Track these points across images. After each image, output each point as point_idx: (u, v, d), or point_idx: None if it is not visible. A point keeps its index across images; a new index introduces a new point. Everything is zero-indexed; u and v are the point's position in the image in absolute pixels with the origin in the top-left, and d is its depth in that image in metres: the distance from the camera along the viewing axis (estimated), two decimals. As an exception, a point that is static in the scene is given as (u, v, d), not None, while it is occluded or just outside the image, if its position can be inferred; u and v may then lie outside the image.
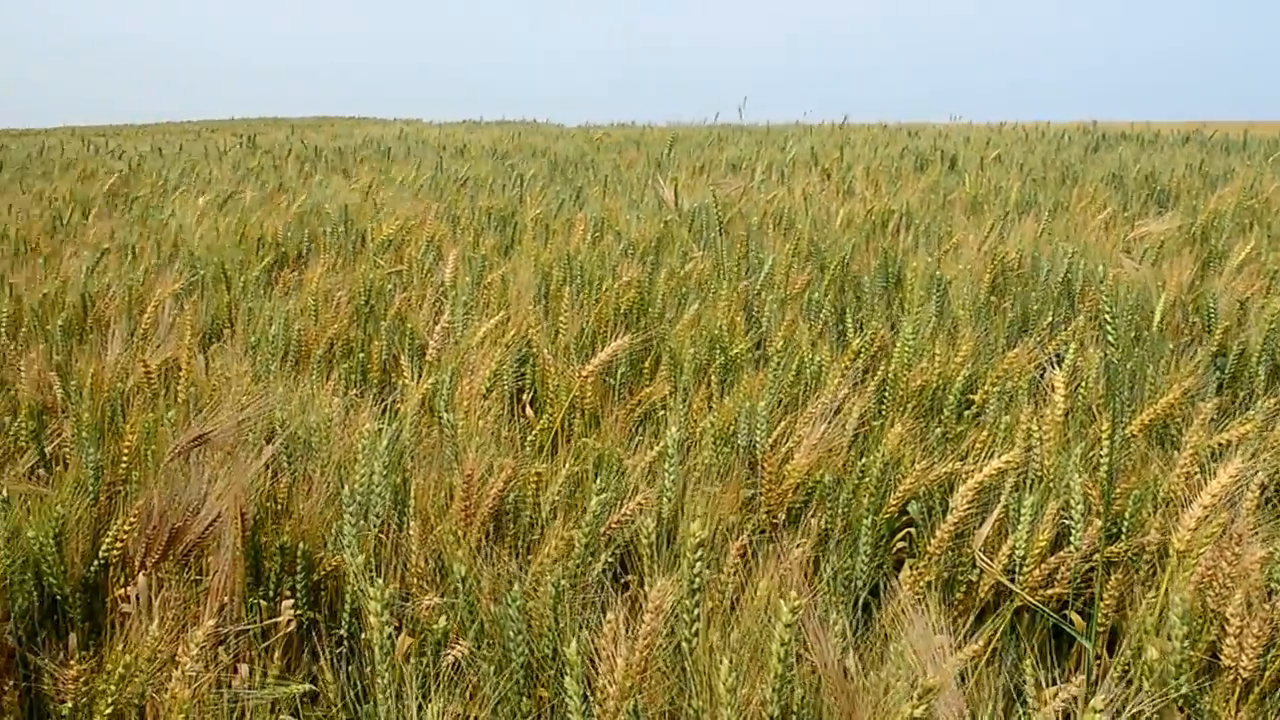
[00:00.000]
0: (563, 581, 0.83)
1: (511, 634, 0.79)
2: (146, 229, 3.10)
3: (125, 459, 1.41)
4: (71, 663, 0.92)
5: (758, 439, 1.50)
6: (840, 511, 1.37)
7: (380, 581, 0.73)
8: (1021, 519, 1.25)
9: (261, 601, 1.06)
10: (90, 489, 1.31)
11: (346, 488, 1.01)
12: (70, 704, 0.89)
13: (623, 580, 1.29)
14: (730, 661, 0.68)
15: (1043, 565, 1.25)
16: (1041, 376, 1.69)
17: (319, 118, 18.77)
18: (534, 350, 1.87)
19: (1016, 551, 1.26)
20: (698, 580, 0.73)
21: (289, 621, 1.04)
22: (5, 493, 1.18)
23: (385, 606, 0.73)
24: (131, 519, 1.15)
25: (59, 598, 1.07)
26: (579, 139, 8.25)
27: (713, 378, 1.72)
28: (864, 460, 1.37)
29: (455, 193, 4.10)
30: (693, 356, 1.69)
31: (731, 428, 1.54)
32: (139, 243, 2.93)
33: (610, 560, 1.22)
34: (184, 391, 1.61)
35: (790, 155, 5.91)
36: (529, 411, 1.84)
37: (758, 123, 9.89)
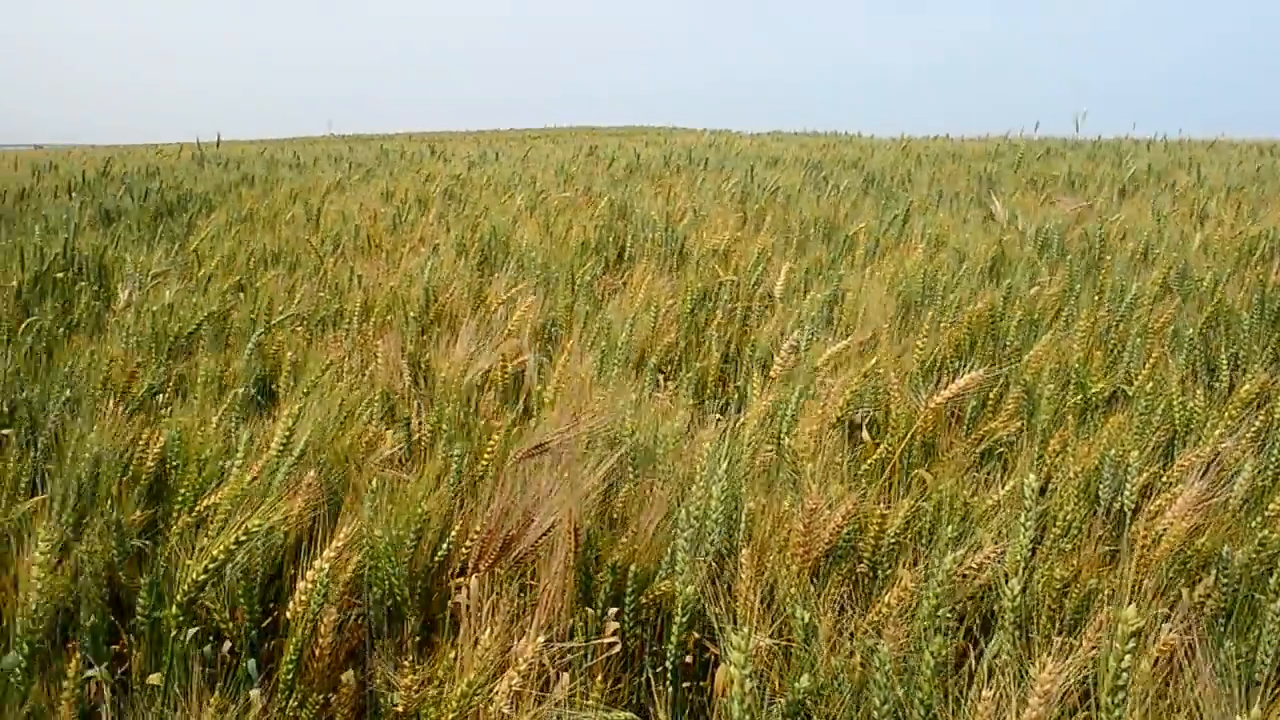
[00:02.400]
0: (940, 652, 0.73)
1: (879, 702, 0.70)
2: (477, 227, 3.25)
3: (486, 458, 1.43)
4: (405, 666, 0.91)
5: (1125, 493, 1.32)
6: (1232, 586, 1.17)
7: (745, 630, 0.66)
8: None
9: (589, 618, 1.03)
10: (452, 484, 1.33)
11: (682, 511, 0.95)
12: (402, 708, 0.89)
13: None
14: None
15: None
16: None
17: (632, 127, 19.42)
18: (878, 372, 1.77)
19: None
20: (1125, 676, 0.61)
21: (614, 644, 1.00)
22: (374, 481, 1.21)
23: (748, 658, 0.66)
24: (483, 520, 1.15)
25: (409, 593, 1.07)
26: (893, 151, 8.00)
27: (1069, 416, 1.54)
28: (1265, 531, 1.16)
29: (767, 202, 4.04)
30: (1049, 392, 1.52)
31: (1092, 476, 1.37)
32: (470, 240, 3.08)
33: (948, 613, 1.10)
34: (530, 391, 1.63)
35: (1130, 172, 5.42)
36: (865, 435, 1.74)
37: (1086, 136, 9.20)
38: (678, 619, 0.93)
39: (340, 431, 1.49)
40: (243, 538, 0.86)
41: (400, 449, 1.64)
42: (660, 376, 1.99)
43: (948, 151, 7.73)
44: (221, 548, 0.88)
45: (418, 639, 1.07)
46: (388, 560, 1.01)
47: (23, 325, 2.19)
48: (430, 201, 3.95)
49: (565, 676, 0.99)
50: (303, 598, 0.87)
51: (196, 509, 1.23)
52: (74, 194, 4.85)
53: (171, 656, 0.93)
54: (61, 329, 2.30)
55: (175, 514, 1.23)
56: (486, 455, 1.45)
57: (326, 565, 0.86)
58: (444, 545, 1.08)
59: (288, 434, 1.29)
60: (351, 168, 6.18)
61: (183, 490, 1.24)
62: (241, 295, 2.40)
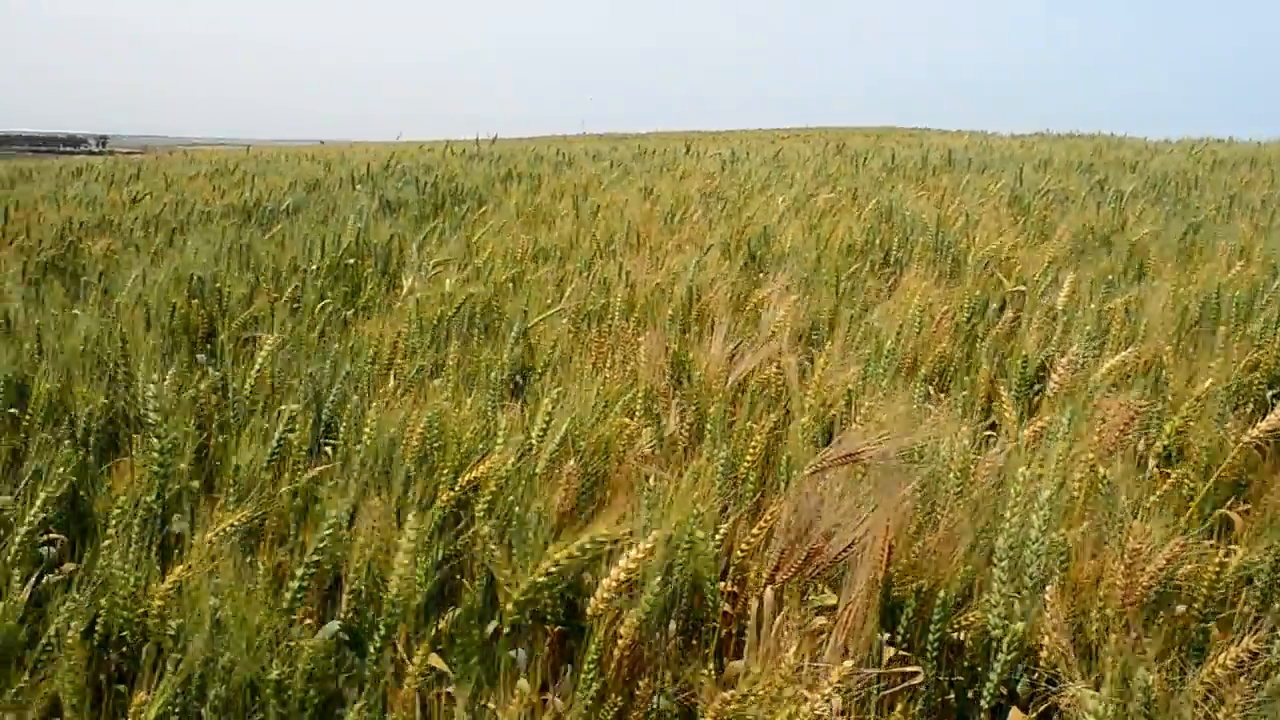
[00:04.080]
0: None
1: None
2: (736, 227, 3.23)
3: (749, 459, 1.40)
4: (705, 675, 0.89)
5: None
6: None
7: (1103, 694, 0.59)
8: None
9: (889, 645, 0.97)
10: (718, 486, 1.31)
11: (1001, 540, 0.88)
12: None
13: None
14: None
15: None
16: None
17: (881, 127, 18.97)
18: (1168, 395, 1.62)
19: None
20: None
21: (916, 673, 0.94)
22: (651, 481, 1.20)
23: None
24: (758, 528, 1.12)
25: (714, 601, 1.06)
26: (1176, 154, 7.40)
27: None
28: None
29: (1044, 207, 3.81)
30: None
31: None
32: (732, 240, 3.06)
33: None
34: (801, 396, 1.59)
35: None
36: (1151, 464, 1.59)
37: None
38: (1001, 657, 0.85)
39: (602, 426, 1.49)
40: (588, 546, 0.85)
41: (655, 446, 1.64)
42: (930, 388, 1.90)
43: (1243, 155, 7.07)
44: (564, 554, 0.87)
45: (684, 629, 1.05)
46: (702, 566, 1.00)
47: (318, 307, 2.34)
48: (689, 200, 3.97)
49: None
50: (605, 595, 0.86)
51: (455, 488, 1.26)
52: (359, 186, 5.21)
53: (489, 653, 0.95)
54: (350, 311, 2.45)
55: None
56: (749, 459, 1.42)
57: (634, 565, 0.85)
58: (736, 552, 1.06)
59: (547, 421, 1.31)
60: (611, 165, 6.32)
61: (444, 471, 1.27)
62: (514, 287, 2.48)
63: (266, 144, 13.96)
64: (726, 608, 1.30)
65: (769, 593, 0.97)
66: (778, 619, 0.98)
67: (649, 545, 0.85)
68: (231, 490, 1.26)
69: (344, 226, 3.10)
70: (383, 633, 0.94)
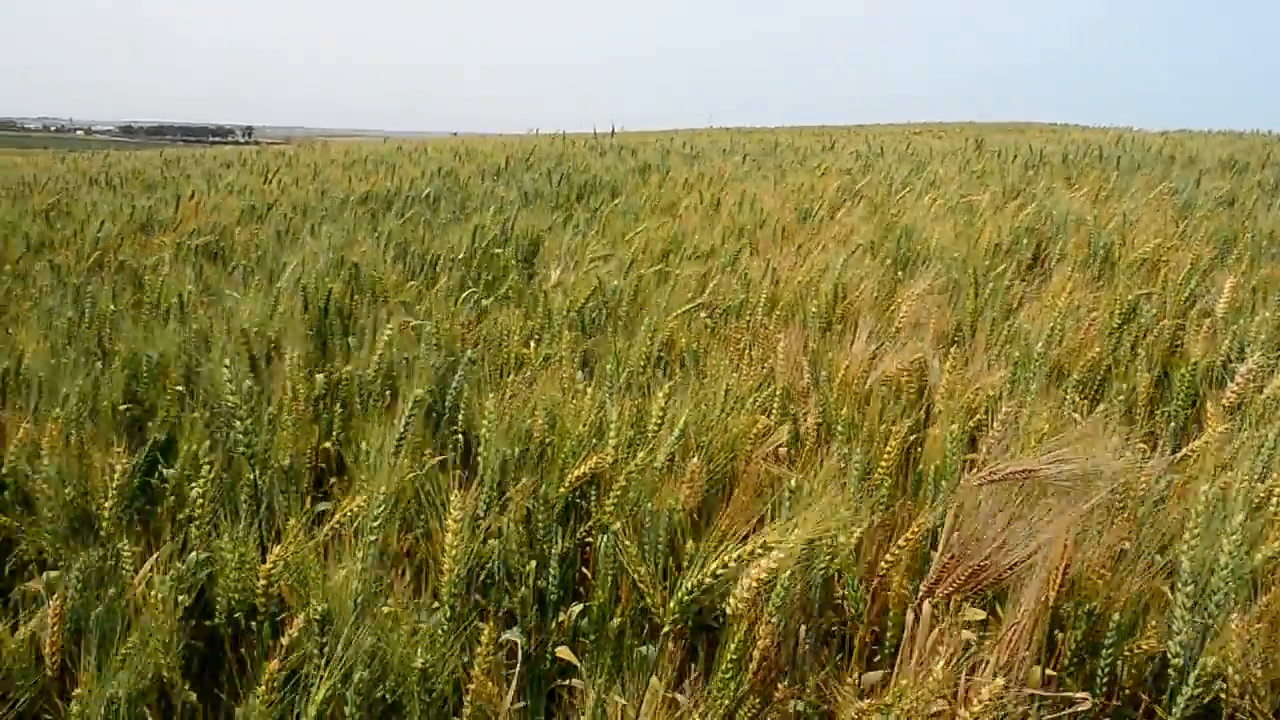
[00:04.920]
0: None
1: None
2: (884, 225, 3.16)
3: (884, 464, 1.38)
4: (849, 685, 0.87)
5: None
6: None
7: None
8: None
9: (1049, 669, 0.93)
10: (854, 491, 1.29)
11: (1185, 563, 0.83)
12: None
13: None
14: None
15: None
16: None
17: (1017, 123, 18.37)
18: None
19: None
20: None
21: (1084, 698, 0.90)
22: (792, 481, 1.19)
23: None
24: (904, 539, 1.09)
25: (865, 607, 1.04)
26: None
27: None
28: None
29: (1209, 211, 3.62)
30: None
31: None
32: (878, 239, 3.00)
33: None
34: (946, 401, 1.54)
35: None
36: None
37: None
38: (1186, 690, 0.81)
39: (732, 422, 1.47)
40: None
41: (787, 446, 1.62)
42: (1077, 395, 1.82)
43: None
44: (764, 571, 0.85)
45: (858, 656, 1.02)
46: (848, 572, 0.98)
47: (462, 296, 2.38)
48: (828, 196, 3.91)
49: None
50: (745, 595, 0.84)
51: (565, 482, 1.26)
52: (497, 177, 5.30)
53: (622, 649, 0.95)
54: (490, 299, 2.49)
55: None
56: (884, 463, 1.39)
57: (776, 566, 0.83)
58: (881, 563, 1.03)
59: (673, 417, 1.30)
60: (744, 159, 6.28)
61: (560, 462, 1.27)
62: (656, 280, 2.47)
63: (402, 135, 14.34)
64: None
65: (926, 606, 0.94)
66: (932, 634, 0.96)
67: (791, 547, 0.82)
68: (360, 473, 1.29)
69: (486, 217, 3.15)
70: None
